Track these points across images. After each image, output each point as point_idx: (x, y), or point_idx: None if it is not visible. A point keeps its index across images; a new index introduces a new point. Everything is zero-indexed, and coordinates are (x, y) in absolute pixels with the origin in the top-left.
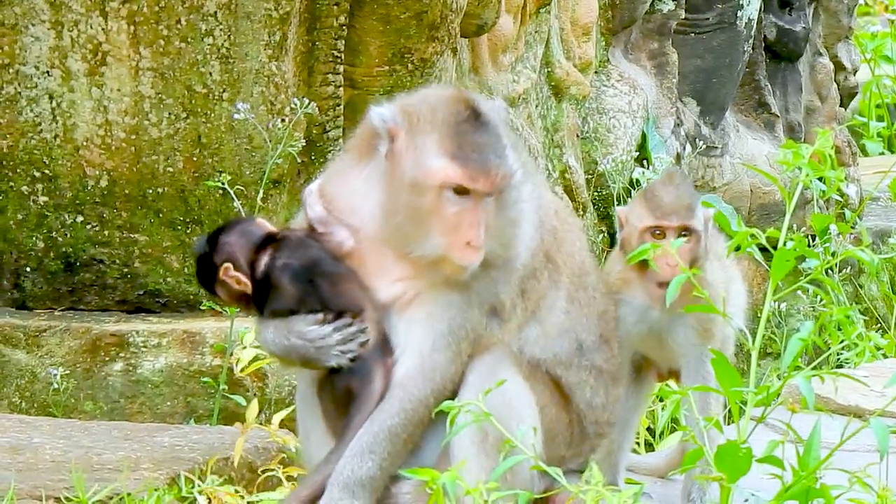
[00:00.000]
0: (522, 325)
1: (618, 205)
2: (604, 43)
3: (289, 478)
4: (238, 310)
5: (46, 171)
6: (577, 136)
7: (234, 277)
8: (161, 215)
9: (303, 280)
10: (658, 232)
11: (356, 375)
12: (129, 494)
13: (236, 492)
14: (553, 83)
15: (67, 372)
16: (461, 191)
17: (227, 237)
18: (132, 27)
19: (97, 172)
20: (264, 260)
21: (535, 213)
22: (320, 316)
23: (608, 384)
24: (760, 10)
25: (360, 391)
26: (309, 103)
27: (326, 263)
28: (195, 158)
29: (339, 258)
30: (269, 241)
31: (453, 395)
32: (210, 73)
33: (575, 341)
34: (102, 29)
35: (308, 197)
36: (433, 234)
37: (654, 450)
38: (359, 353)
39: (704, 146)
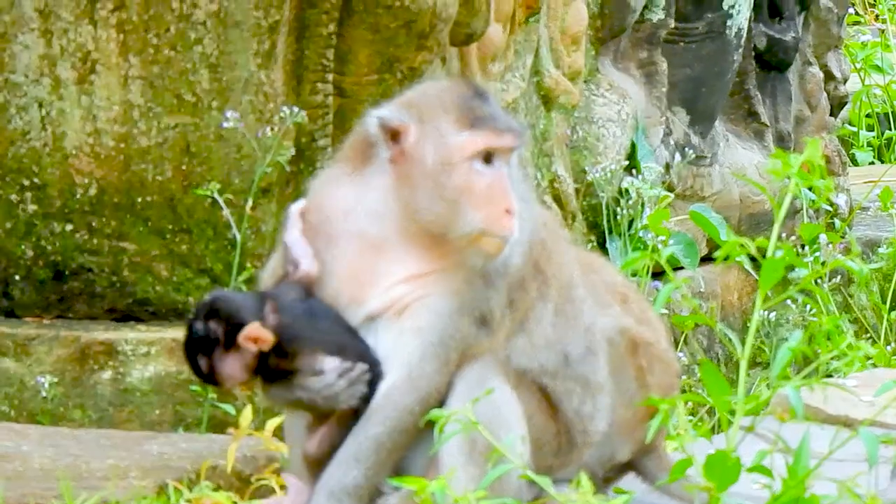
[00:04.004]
0: (510, 336)
1: (607, 214)
2: (593, 52)
3: (282, 487)
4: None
5: (35, 180)
6: (566, 145)
7: (256, 336)
8: (150, 224)
9: (318, 318)
10: None
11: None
12: (117, 503)
13: (229, 498)
14: (542, 92)
15: (56, 380)
16: (488, 158)
17: (232, 304)
18: (121, 35)
19: (86, 181)
20: (269, 314)
21: (528, 224)
22: (318, 368)
23: (596, 394)
24: (750, 19)
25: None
26: (298, 112)
27: (320, 304)
28: (184, 167)
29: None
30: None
31: (440, 405)
32: (199, 82)
33: (561, 353)
34: (92, 37)
35: (289, 218)
36: (469, 211)
37: None
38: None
39: (694, 155)
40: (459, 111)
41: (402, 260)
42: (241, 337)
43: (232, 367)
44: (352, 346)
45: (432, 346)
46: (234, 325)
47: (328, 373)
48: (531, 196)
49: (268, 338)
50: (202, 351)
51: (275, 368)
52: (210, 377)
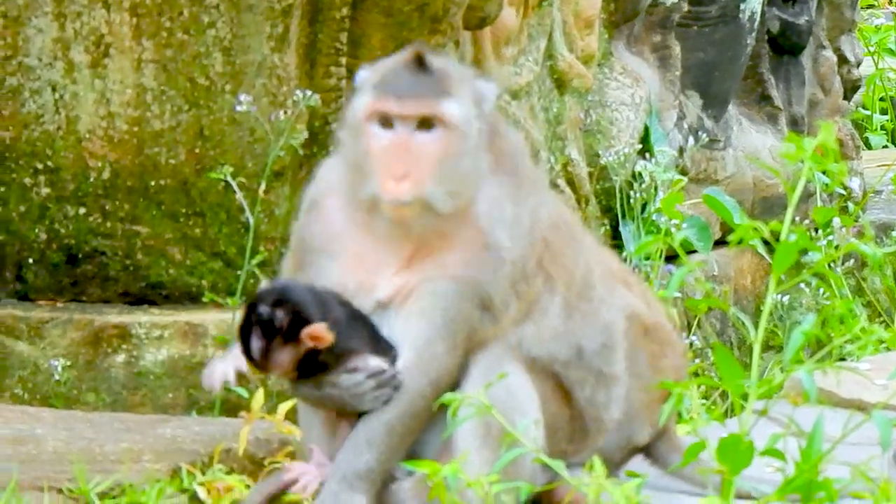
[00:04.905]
0: (517, 323)
1: (620, 197)
2: (606, 36)
3: None
4: (277, 376)
5: (49, 163)
6: (580, 128)
7: (320, 336)
8: (163, 207)
9: (365, 324)
10: None
11: None
12: (130, 486)
13: (241, 481)
14: (556, 76)
15: (69, 363)
16: (385, 121)
17: (302, 298)
18: (134, 19)
19: (99, 164)
20: (331, 316)
21: (528, 220)
22: (351, 366)
23: (610, 384)
24: (763, 3)
25: None
26: (311, 95)
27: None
28: (197, 150)
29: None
30: None
31: (452, 389)
32: (212, 66)
33: (575, 346)
34: (105, 21)
35: None
36: (367, 175)
37: None
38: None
39: (707, 139)
40: (381, 74)
41: (399, 243)
42: (305, 332)
43: (284, 357)
44: (391, 354)
45: (436, 327)
46: (300, 320)
47: (360, 371)
48: (541, 194)
49: (329, 340)
50: (261, 334)
51: (316, 366)
52: (258, 360)
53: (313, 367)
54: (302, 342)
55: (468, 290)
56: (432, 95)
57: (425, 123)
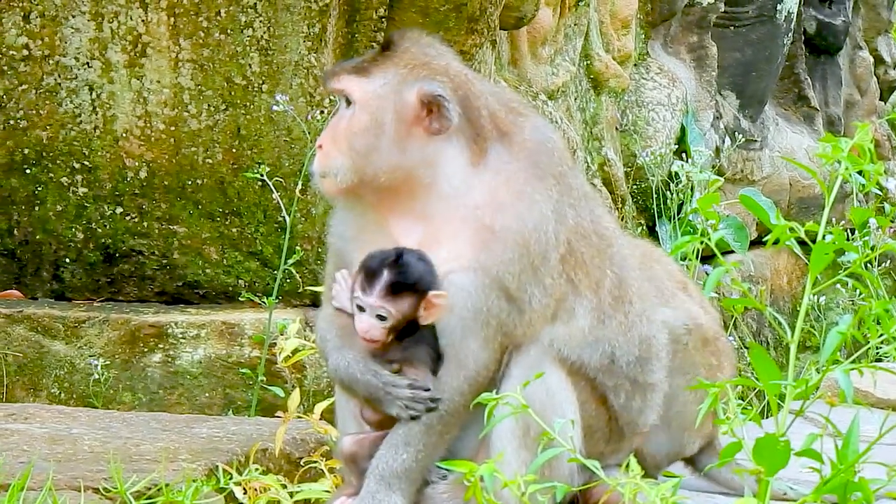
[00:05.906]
0: (548, 321)
1: (656, 198)
2: (643, 36)
3: (331, 469)
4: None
5: (86, 163)
6: (616, 128)
7: (438, 305)
8: (200, 207)
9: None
10: None
11: None
12: (167, 485)
13: (278, 481)
14: (592, 76)
15: (106, 363)
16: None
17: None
18: (172, 19)
19: (136, 164)
20: None
21: (550, 212)
22: (396, 365)
23: (646, 391)
24: (800, 3)
25: None
26: None
27: None
28: (234, 150)
29: None
30: None
31: (489, 387)
32: (249, 65)
33: (608, 355)
34: (142, 20)
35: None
36: None
37: None
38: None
39: (744, 139)
40: None
41: (398, 229)
42: (434, 293)
43: (406, 306)
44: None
45: (468, 321)
46: (431, 283)
47: (407, 376)
48: (574, 196)
49: (437, 314)
50: (398, 274)
51: (396, 349)
52: (383, 293)
53: (394, 344)
54: (423, 302)
55: (487, 280)
56: (347, 73)
57: (348, 100)
